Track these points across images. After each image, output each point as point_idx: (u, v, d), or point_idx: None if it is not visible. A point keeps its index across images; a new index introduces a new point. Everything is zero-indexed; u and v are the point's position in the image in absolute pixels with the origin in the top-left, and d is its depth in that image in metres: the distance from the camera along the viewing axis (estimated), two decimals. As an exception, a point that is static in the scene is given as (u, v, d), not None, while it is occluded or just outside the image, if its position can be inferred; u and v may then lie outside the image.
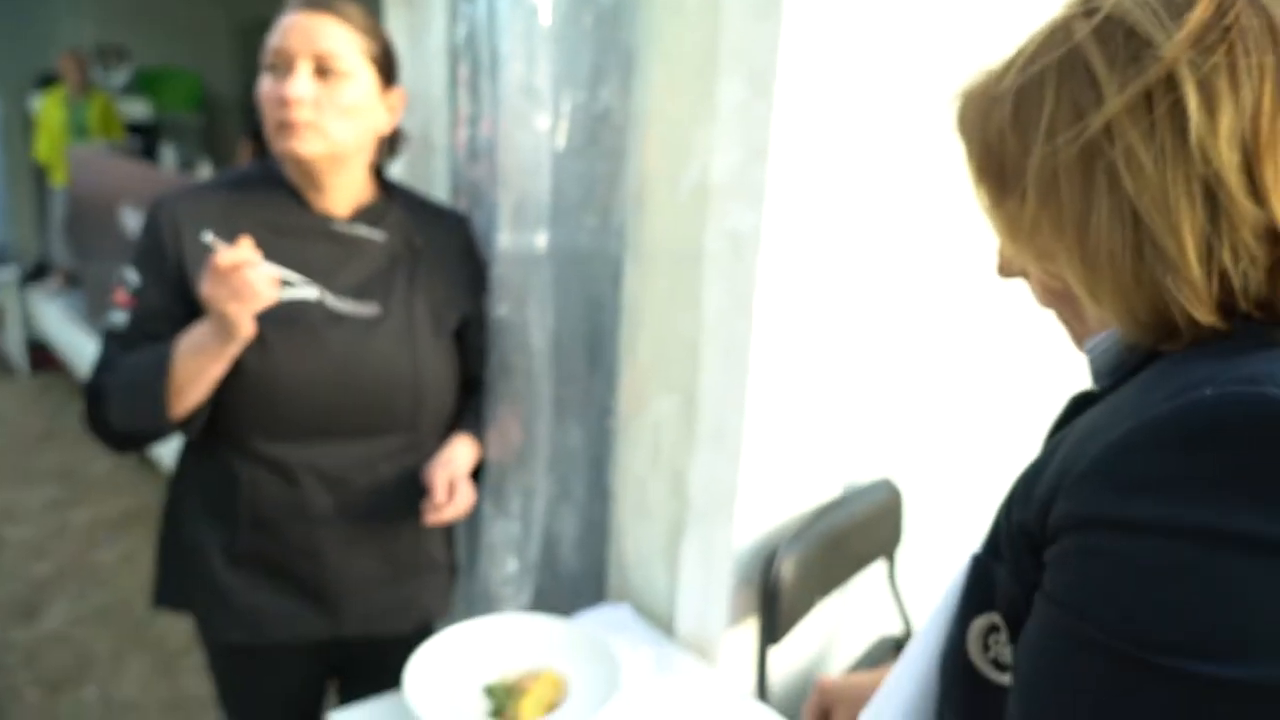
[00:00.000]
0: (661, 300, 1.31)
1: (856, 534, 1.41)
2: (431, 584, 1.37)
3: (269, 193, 1.21)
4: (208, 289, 1.03)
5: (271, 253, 1.13)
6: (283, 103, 1.11)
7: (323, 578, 1.25)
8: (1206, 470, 0.42)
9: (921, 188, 1.38)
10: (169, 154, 5.48)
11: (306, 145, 1.13)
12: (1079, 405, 0.60)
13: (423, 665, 1.20)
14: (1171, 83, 0.48)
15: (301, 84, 1.11)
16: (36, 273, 5.68)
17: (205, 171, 4.99)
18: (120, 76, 6.12)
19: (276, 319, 1.14)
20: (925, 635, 0.61)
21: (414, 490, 1.27)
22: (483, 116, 1.42)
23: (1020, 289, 0.64)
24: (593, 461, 1.48)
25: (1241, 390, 0.43)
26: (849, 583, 1.47)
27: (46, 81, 5.59)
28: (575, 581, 1.55)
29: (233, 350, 1.10)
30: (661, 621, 1.43)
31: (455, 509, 1.25)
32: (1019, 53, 0.55)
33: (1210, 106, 0.47)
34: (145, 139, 6.04)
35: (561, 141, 1.30)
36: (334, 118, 1.14)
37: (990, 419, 1.69)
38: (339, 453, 1.23)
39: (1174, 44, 0.48)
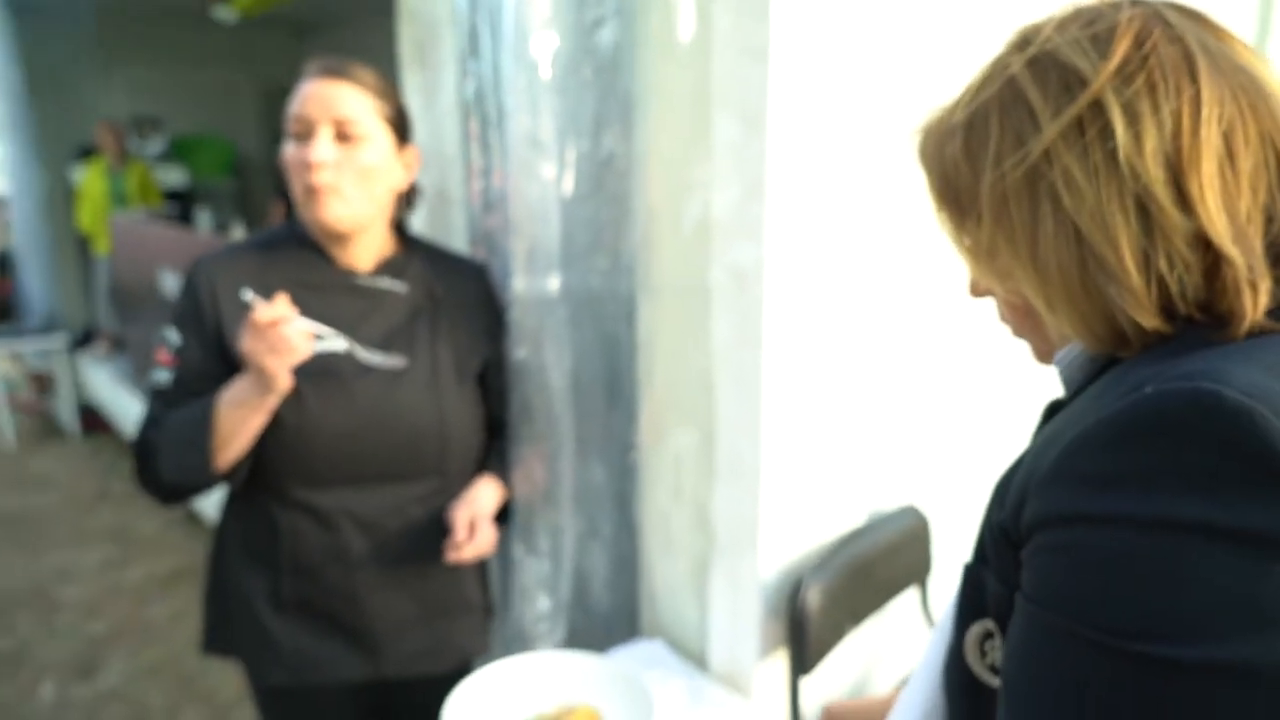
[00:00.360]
0: (673, 336, 1.34)
1: (884, 562, 1.41)
2: (467, 624, 1.40)
3: (297, 251, 1.26)
4: (247, 344, 1.09)
5: (302, 308, 1.18)
6: (306, 167, 1.17)
7: (362, 620, 1.29)
8: (1149, 463, 0.45)
9: (919, 215, 1.40)
10: (204, 218, 5.64)
11: (331, 211, 1.19)
12: (1051, 412, 0.63)
13: (460, 704, 1.22)
14: (1099, 108, 0.52)
15: (323, 149, 1.17)
16: (84, 339, 5.87)
17: (239, 233, 5.14)
18: (156, 145, 6.34)
19: (310, 373, 1.19)
20: (931, 651, 0.63)
21: (444, 532, 1.31)
22: (494, 169, 1.47)
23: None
24: (618, 498, 1.50)
25: (1178, 386, 0.46)
26: (881, 612, 1.47)
27: (86, 153, 5.80)
28: (608, 618, 1.57)
29: (271, 402, 1.15)
30: (694, 655, 1.44)
31: (476, 548, 1.28)
32: (966, 89, 0.60)
33: (1135, 128, 0.51)
34: (181, 204, 6.25)
35: (569, 188, 1.34)
36: (354, 180, 1.20)
37: (1011, 440, 1.69)
38: (372, 498, 1.27)
39: (1099, 74, 0.52)
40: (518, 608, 1.49)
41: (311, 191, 1.18)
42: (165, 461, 1.18)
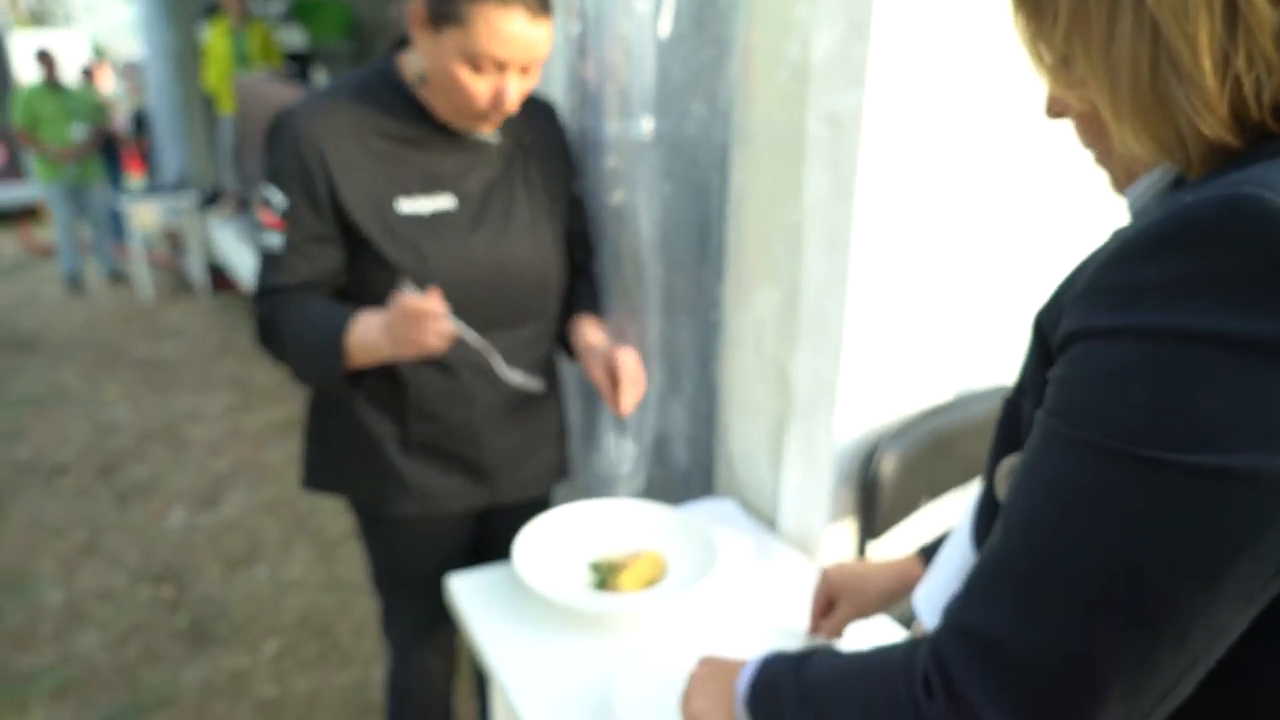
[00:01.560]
0: (766, 188, 1.29)
1: (968, 439, 1.36)
2: (558, 452, 1.51)
3: (394, 104, 1.24)
4: (392, 322, 1.13)
5: (404, 164, 1.21)
6: (495, 103, 1.17)
7: (480, 455, 1.38)
8: (1175, 271, 0.44)
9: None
10: (321, 79, 5.73)
11: (494, 126, 1.21)
12: None
13: (533, 539, 1.27)
14: None
15: (516, 88, 1.16)
16: (211, 199, 6.14)
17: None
18: (277, 6, 6.42)
19: (429, 231, 1.23)
20: (971, 506, 0.61)
21: (548, 369, 1.41)
22: (589, 8, 1.41)
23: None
24: (701, 354, 1.49)
25: (1218, 193, 0.44)
26: (963, 489, 1.44)
27: (211, 12, 5.91)
28: (685, 473, 1.59)
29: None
30: (765, 516, 1.44)
31: (638, 391, 1.32)
32: None
33: None
34: (300, 65, 6.36)
35: (666, 28, 1.28)
36: (520, 103, 1.21)
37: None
38: (489, 343, 1.32)
39: None
40: (599, 454, 1.52)
41: (486, 116, 1.19)
42: (295, 362, 1.24)
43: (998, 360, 1.46)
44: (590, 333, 1.40)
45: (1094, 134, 0.60)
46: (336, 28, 6.95)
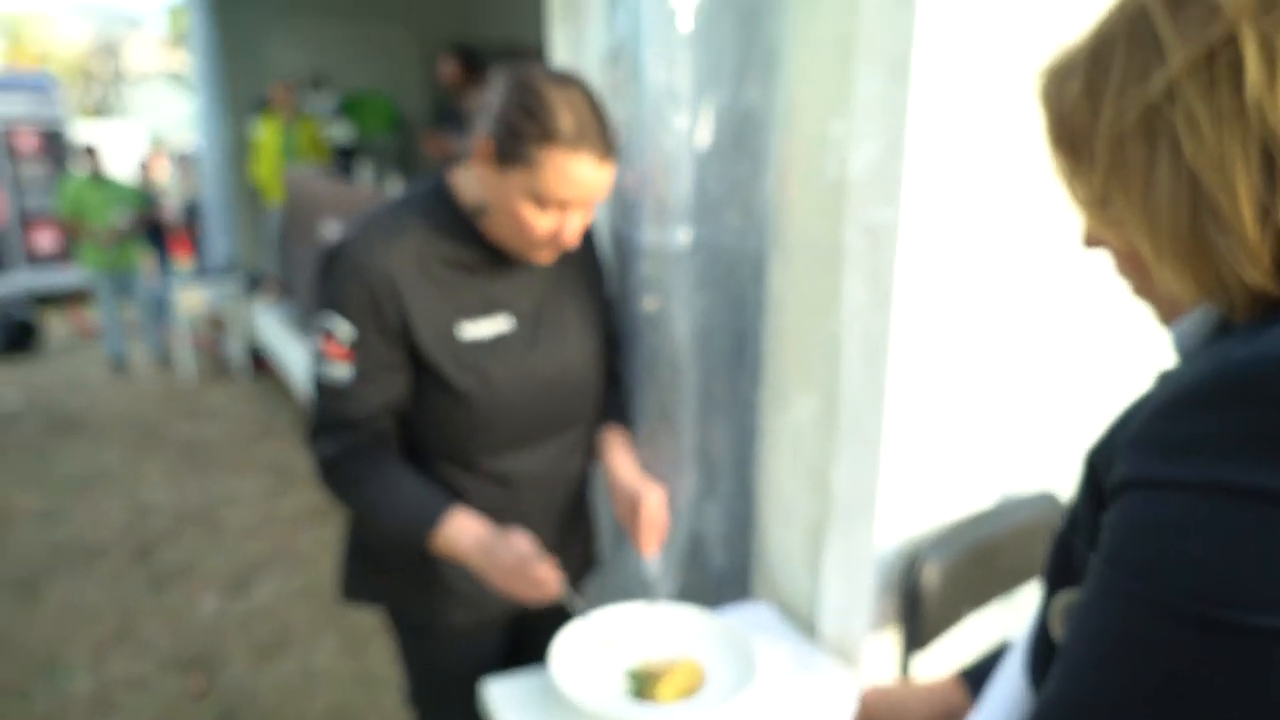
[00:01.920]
0: (803, 297, 1.31)
1: (1012, 548, 1.34)
2: (589, 548, 1.53)
3: (453, 230, 1.25)
4: (505, 566, 1.17)
5: (463, 289, 1.24)
6: (556, 239, 1.20)
7: None
8: (1230, 427, 0.44)
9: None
10: (365, 173, 5.94)
11: (552, 259, 1.27)
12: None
13: (569, 644, 1.26)
14: (1232, 41, 0.48)
15: (577, 225, 1.20)
16: (254, 284, 6.32)
17: (395, 187, 5.37)
18: (327, 102, 6.71)
19: (492, 354, 1.26)
20: (1021, 639, 0.60)
21: (586, 471, 1.45)
22: (631, 121, 1.47)
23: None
24: (738, 457, 1.49)
25: (1266, 350, 0.44)
26: (1007, 600, 1.41)
27: (263, 108, 6.19)
28: (720, 577, 1.57)
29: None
30: (804, 622, 1.42)
31: (661, 531, 1.33)
32: (1093, 24, 0.57)
33: (1270, 65, 0.47)
34: (345, 159, 6.61)
35: (703, 141, 1.32)
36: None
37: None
38: (539, 453, 1.36)
39: (1237, 2, 0.48)
40: (631, 553, 1.52)
41: (542, 250, 1.22)
42: (370, 524, 1.27)
43: (1038, 465, 1.44)
44: (619, 456, 1.40)
45: (1133, 269, 0.61)
46: (381, 122, 7.24)
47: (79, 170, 6.18)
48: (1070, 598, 0.56)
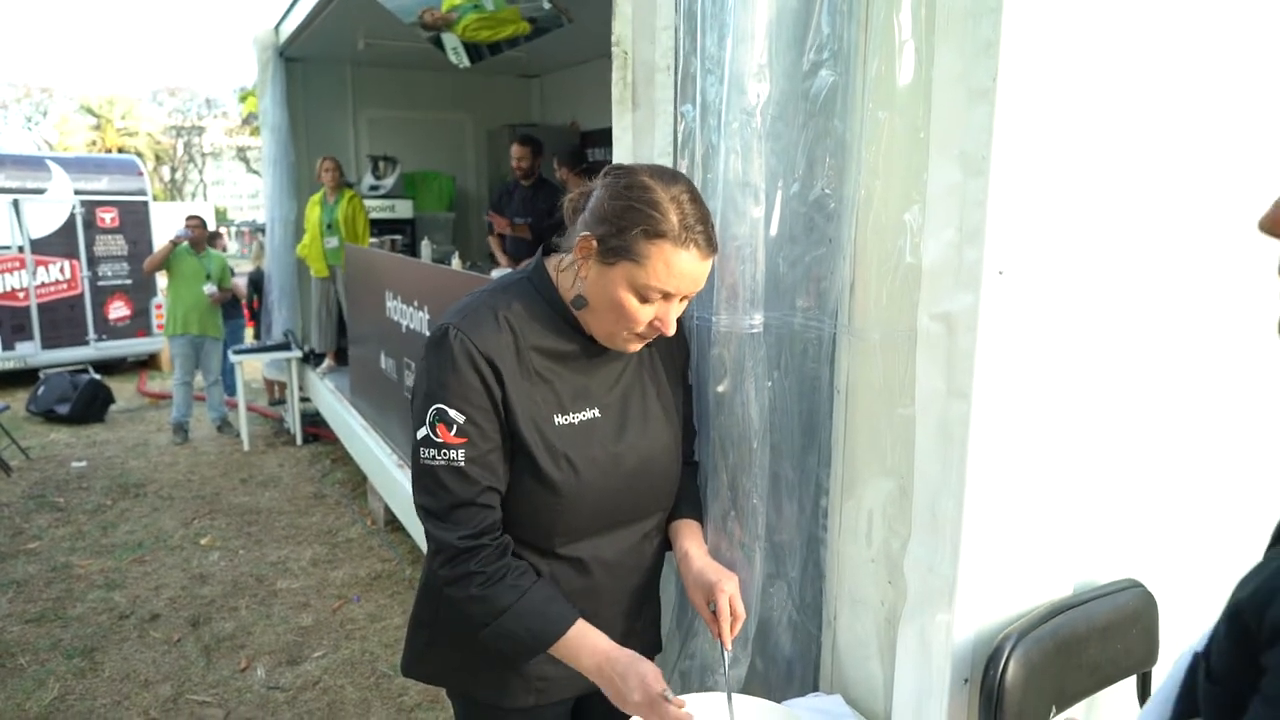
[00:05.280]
0: (876, 381, 1.31)
1: (1097, 641, 1.29)
2: (656, 632, 1.53)
3: (550, 320, 1.28)
4: (638, 709, 1.17)
5: (558, 379, 1.27)
6: (652, 328, 1.23)
7: None
8: None
9: (1153, 264, 1.30)
10: (425, 248, 6.11)
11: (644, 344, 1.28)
12: None
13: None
14: None
15: (676, 315, 1.23)
16: (313, 356, 6.49)
17: (454, 262, 5.51)
18: (390, 181, 6.95)
19: (578, 444, 1.27)
20: None
21: (659, 557, 1.45)
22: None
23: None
24: (808, 542, 1.47)
25: None
26: (1092, 701, 1.35)
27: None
28: (788, 665, 1.53)
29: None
30: (876, 716, 1.37)
31: (739, 624, 1.32)
32: None
33: None
34: (408, 234, 6.82)
35: (776, 229, 1.35)
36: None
37: (1257, 515, 1.51)
38: (618, 540, 1.36)
39: None
40: (696, 639, 1.49)
41: (639, 340, 1.25)
42: (501, 627, 1.23)
43: (1122, 552, 1.40)
44: (693, 543, 1.39)
45: None
46: (440, 199, 7.47)
47: (181, 240, 6.48)
48: None
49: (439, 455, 1.22)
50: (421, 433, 1.23)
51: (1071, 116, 1.15)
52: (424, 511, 1.26)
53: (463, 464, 1.21)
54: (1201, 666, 0.53)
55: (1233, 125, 1.34)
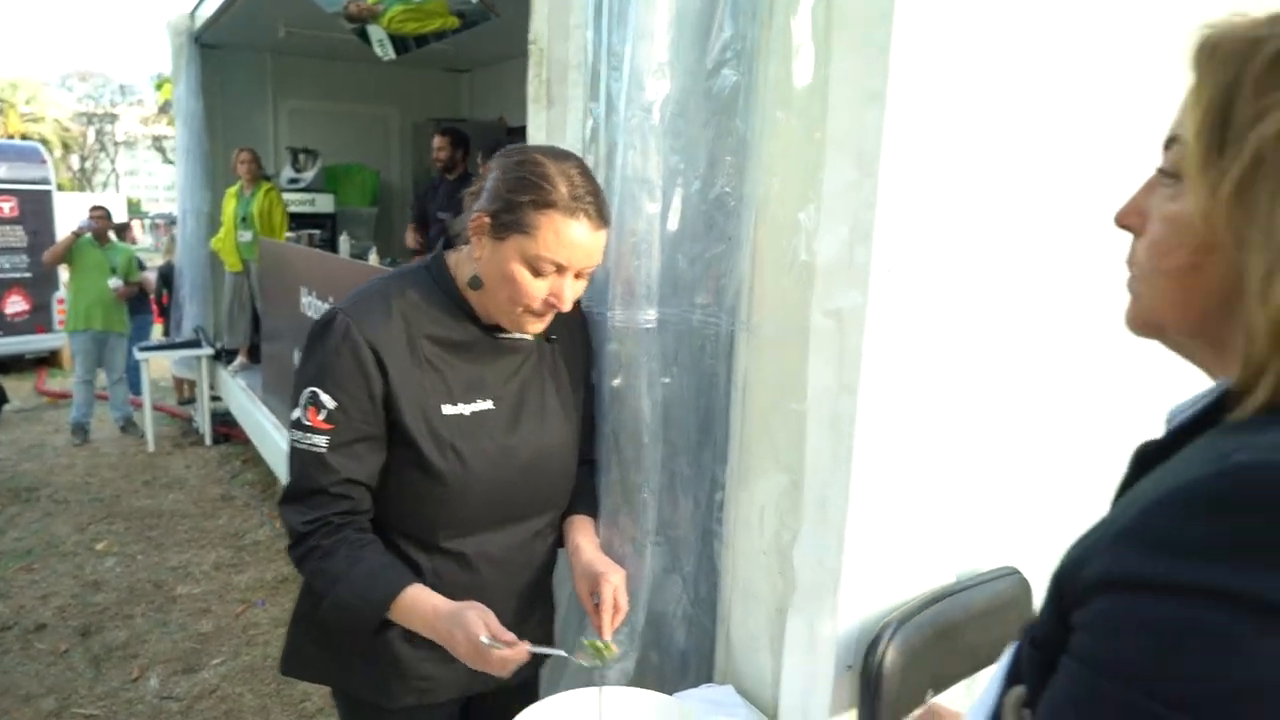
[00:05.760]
0: (771, 377, 1.33)
1: (971, 630, 1.34)
2: (548, 633, 1.51)
3: (445, 307, 1.27)
4: (470, 654, 1.15)
5: (450, 369, 1.25)
6: (549, 304, 1.21)
7: None
8: (1226, 534, 0.43)
9: (1035, 260, 1.36)
10: (344, 243, 5.98)
11: (537, 330, 1.27)
12: (1141, 457, 0.60)
13: (524, 730, 1.22)
14: None
15: (570, 290, 1.22)
16: (223, 353, 6.28)
17: (373, 258, 5.42)
18: (311, 174, 6.79)
19: (468, 434, 1.25)
20: (980, 704, 0.60)
21: (551, 556, 1.44)
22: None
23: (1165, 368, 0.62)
24: (703, 536, 1.49)
25: (1264, 458, 0.44)
26: (971, 682, 1.39)
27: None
28: (683, 657, 1.54)
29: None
30: (766, 706, 1.39)
31: (622, 616, 1.32)
32: None
33: None
34: (328, 229, 6.66)
35: (675, 225, 1.36)
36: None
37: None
38: (506, 537, 1.35)
39: None
40: (589, 633, 1.48)
41: (536, 317, 1.24)
42: (332, 604, 1.21)
43: (1001, 541, 1.45)
44: (583, 538, 1.40)
45: (1186, 276, 0.57)
46: (362, 194, 7.33)
47: (85, 231, 6.20)
48: (1022, 691, 0.55)
49: (303, 439, 1.21)
50: (295, 414, 1.22)
51: (957, 121, 1.19)
52: (283, 493, 1.25)
53: (324, 450, 1.20)
54: (1026, 636, 0.56)
55: (1103, 128, 1.39)
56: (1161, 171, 0.60)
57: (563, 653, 1.31)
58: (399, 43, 4.70)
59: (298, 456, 1.22)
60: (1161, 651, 0.43)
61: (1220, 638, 0.42)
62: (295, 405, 1.22)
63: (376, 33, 4.65)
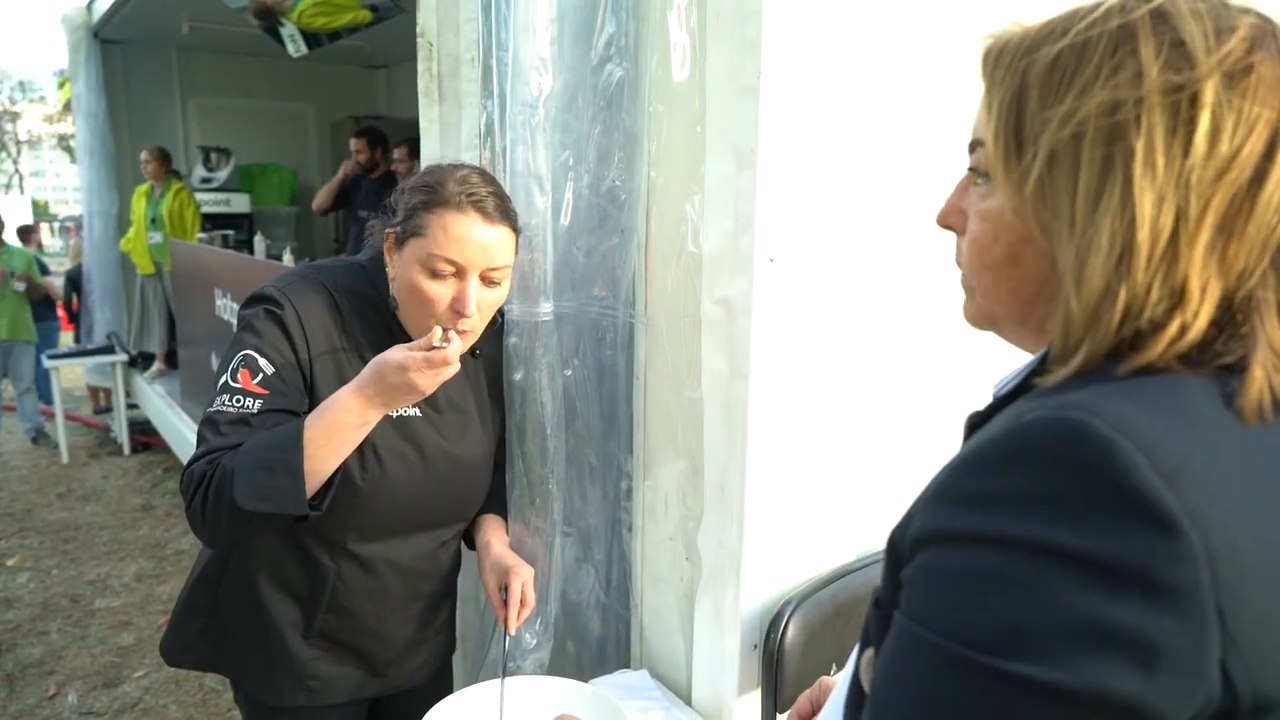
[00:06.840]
0: (667, 366, 1.36)
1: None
2: (449, 637, 1.52)
3: (371, 312, 1.26)
4: (419, 373, 1.07)
5: None
6: (454, 313, 1.18)
7: (380, 649, 1.37)
8: (1016, 486, 0.47)
9: (909, 245, 1.40)
10: (260, 244, 5.84)
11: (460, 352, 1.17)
12: (972, 426, 0.63)
13: (436, 725, 1.23)
14: (1195, 99, 0.50)
15: (474, 294, 1.18)
16: (140, 358, 6.08)
17: (286, 257, 5.30)
18: (224, 173, 6.60)
19: (386, 437, 1.23)
20: (845, 672, 0.63)
21: (456, 562, 1.44)
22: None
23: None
24: (613, 525, 1.51)
25: (1051, 415, 0.48)
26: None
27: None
28: (600, 647, 1.57)
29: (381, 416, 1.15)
30: (679, 688, 1.43)
31: (528, 609, 1.32)
32: (1068, 17, 0.56)
33: (1213, 138, 0.49)
34: (244, 229, 6.49)
35: (568, 219, 1.37)
36: (486, 319, 1.23)
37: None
38: (413, 545, 1.34)
39: (1208, 62, 0.50)
40: (502, 631, 1.50)
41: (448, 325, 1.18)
42: (243, 488, 1.08)
43: (894, 518, 1.50)
44: (491, 534, 1.40)
45: (1003, 266, 0.60)
46: (279, 193, 7.16)
47: None
48: (870, 656, 0.58)
49: (230, 401, 1.15)
50: (221, 380, 1.17)
51: (829, 114, 1.22)
52: (194, 455, 1.14)
53: (255, 413, 1.14)
54: (872, 599, 0.59)
55: (951, 123, 1.45)
56: (972, 171, 0.63)
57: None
58: (310, 38, 4.60)
59: (218, 419, 1.14)
60: (969, 599, 0.47)
61: (1014, 582, 0.45)
62: (224, 372, 1.17)
63: (288, 29, 4.54)
